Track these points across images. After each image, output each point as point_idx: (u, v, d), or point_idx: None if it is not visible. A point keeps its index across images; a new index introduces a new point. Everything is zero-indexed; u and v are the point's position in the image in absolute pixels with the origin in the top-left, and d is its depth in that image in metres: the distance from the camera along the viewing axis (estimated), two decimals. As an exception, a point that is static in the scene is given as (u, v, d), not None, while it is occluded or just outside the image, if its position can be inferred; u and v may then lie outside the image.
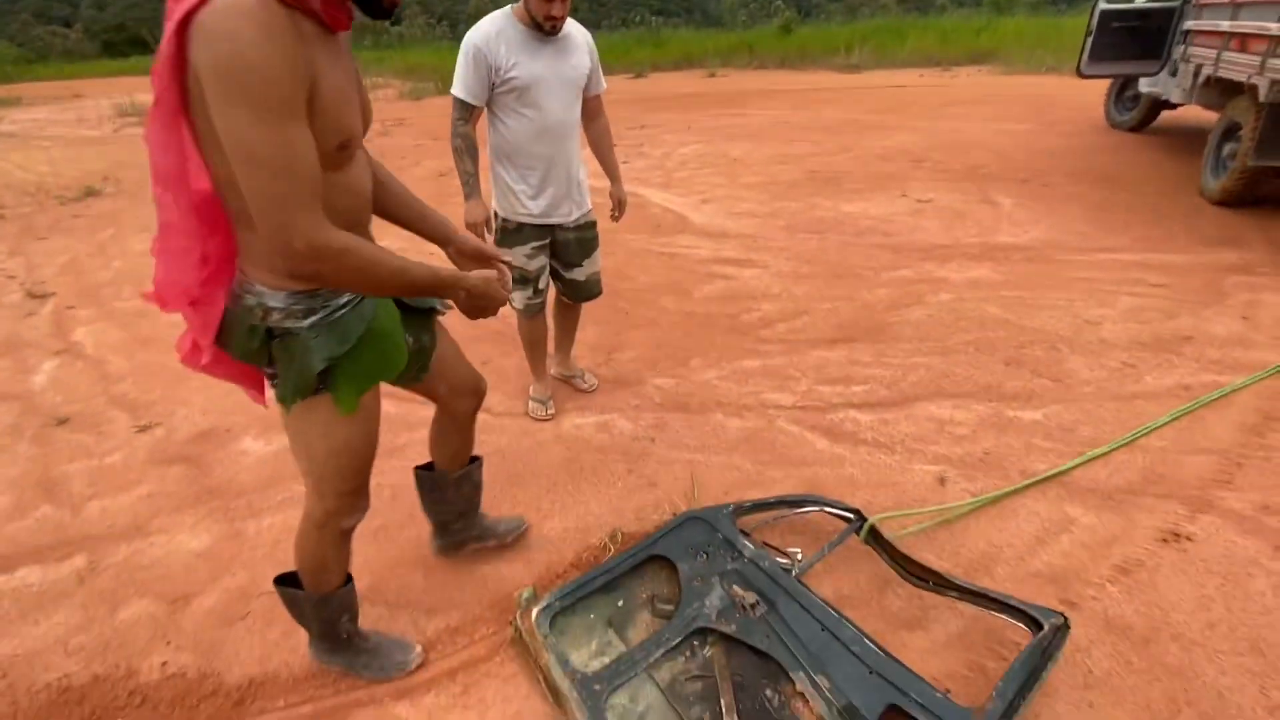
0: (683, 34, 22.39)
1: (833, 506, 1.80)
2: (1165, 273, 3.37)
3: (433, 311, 1.45)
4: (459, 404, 1.60)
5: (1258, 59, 3.80)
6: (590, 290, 2.45)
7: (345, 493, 1.27)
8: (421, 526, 1.95)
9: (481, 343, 3.09)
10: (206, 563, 1.85)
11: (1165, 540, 1.75)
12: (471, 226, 2.10)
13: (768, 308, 3.29)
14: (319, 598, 1.38)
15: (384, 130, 9.99)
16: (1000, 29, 15.41)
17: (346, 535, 1.36)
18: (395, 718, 1.42)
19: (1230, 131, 4.21)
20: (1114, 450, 2.08)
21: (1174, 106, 5.90)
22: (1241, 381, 2.38)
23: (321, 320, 1.11)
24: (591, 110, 2.25)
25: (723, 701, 1.36)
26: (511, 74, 1.95)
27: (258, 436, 2.44)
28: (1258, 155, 3.79)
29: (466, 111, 2.03)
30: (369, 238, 1.17)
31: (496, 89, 1.99)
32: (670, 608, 1.60)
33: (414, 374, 1.41)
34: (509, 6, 2.01)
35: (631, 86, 14.25)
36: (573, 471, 2.16)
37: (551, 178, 2.13)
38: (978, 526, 1.84)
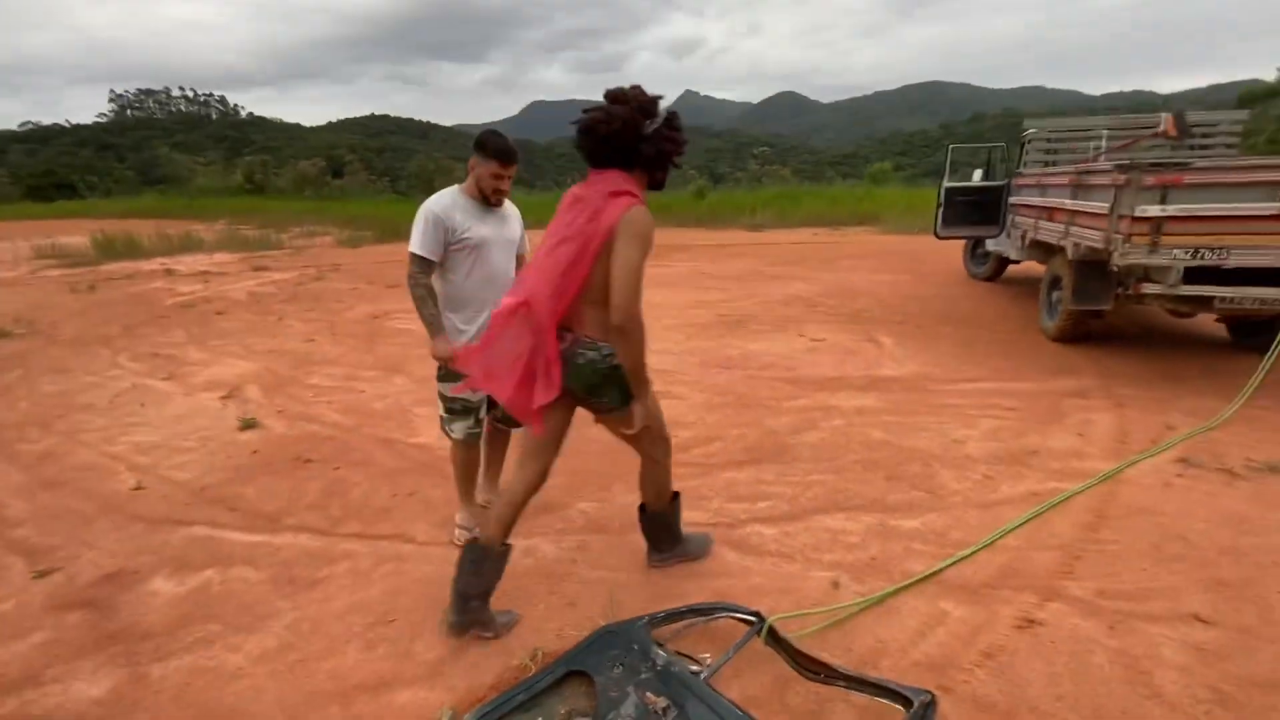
0: (609, 194, 24.80)
1: (737, 611, 1.97)
2: (1016, 398, 3.96)
3: None
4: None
5: (1063, 226, 4.80)
6: None
7: (666, 438, 2.28)
8: (339, 659, 1.96)
9: (409, 474, 3.19)
10: (105, 710, 1.76)
11: (1021, 627, 2.01)
12: (442, 357, 2.38)
13: (684, 435, 3.58)
14: (672, 501, 2.36)
15: (319, 275, 10.33)
16: (879, 196, 18.12)
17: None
18: None
19: (1055, 282, 5.15)
20: (978, 551, 2.39)
21: (1016, 261, 7.13)
22: (1078, 487, 2.81)
23: None
24: (521, 265, 2.65)
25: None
26: (466, 235, 2.34)
27: (169, 576, 2.38)
28: (1075, 301, 4.65)
29: (427, 266, 2.36)
30: None
31: (450, 247, 2.36)
32: (587, 720, 1.67)
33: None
34: (456, 186, 2.45)
35: (562, 238, 15.48)
36: (495, 597, 2.23)
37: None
38: (866, 624, 2.04)
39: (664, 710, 1.64)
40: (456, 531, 2.61)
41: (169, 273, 10.83)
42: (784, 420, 3.74)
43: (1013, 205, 6.25)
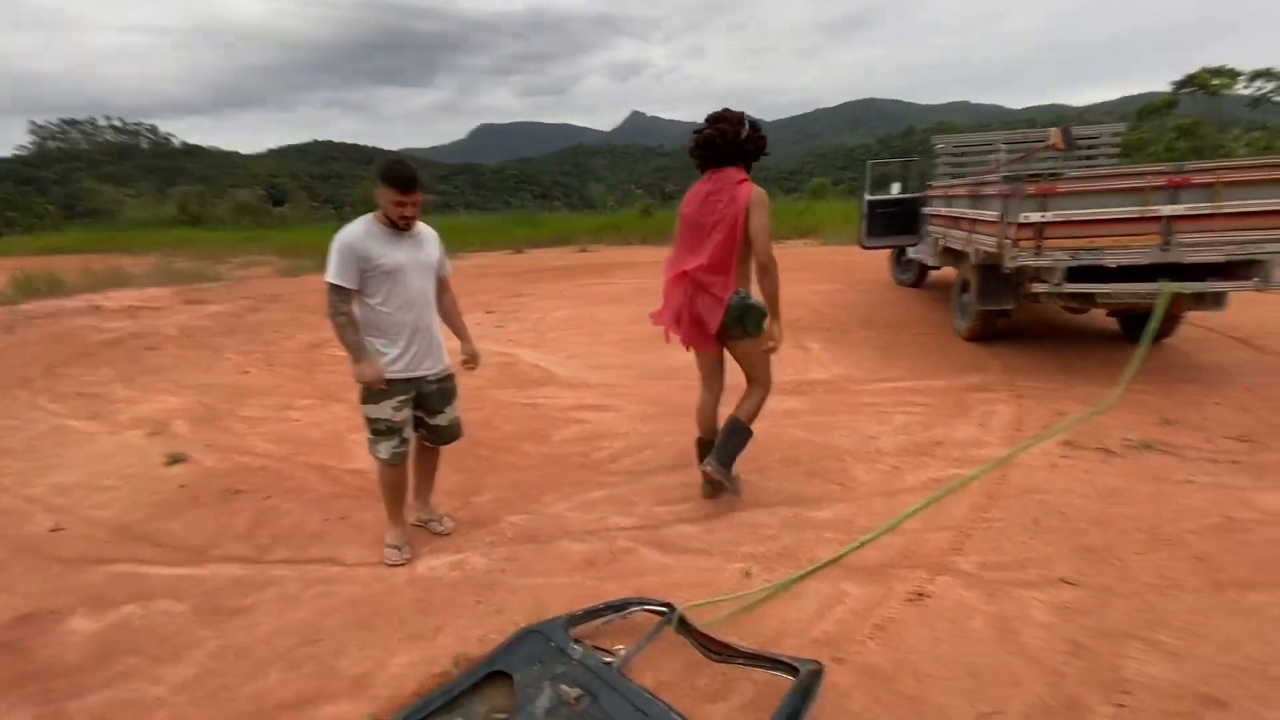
0: (558, 216, 25.01)
1: (650, 604, 2.09)
2: (928, 395, 4.24)
3: None
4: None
5: (966, 234, 5.17)
6: (453, 433, 2.80)
7: (771, 378, 2.93)
8: (262, 681, 1.99)
9: (342, 499, 3.21)
10: (14, 748, 1.75)
11: (911, 600, 2.19)
12: (371, 380, 2.44)
13: (617, 444, 3.71)
14: (749, 431, 2.92)
15: (256, 306, 10.10)
16: (819, 210, 18.83)
17: None
18: None
19: (964, 286, 5.52)
20: (880, 535, 2.58)
21: (936, 268, 7.56)
22: (973, 473, 3.05)
23: None
24: (440, 288, 2.74)
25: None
26: (380, 261, 2.42)
27: (88, 614, 2.35)
28: (981, 302, 5.01)
29: (345, 295, 2.43)
30: None
31: (367, 274, 2.43)
32: (505, 717, 1.76)
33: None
34: (370, 215, 2.52)
35: (511, 261, 15.54)
36: (423, 609, 2.30)
37: (415, 340, 2.55)
38: (773, 609, 2.19)
39: (577, 700, 1.74)
40: (387, 551, 2.66)
41: (96, 309, 10.38)
42: (713, 426, 3.90)
43: (927, 215, 6.67)
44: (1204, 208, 3.78)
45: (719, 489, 2.93)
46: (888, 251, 8.73)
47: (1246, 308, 5.69)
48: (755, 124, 2.73)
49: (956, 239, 5.43)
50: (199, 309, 10.02)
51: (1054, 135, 5.70)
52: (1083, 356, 4.93)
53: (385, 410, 2.53)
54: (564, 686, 1.77)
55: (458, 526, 2.87)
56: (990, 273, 4.70)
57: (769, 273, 2.65)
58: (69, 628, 2.29)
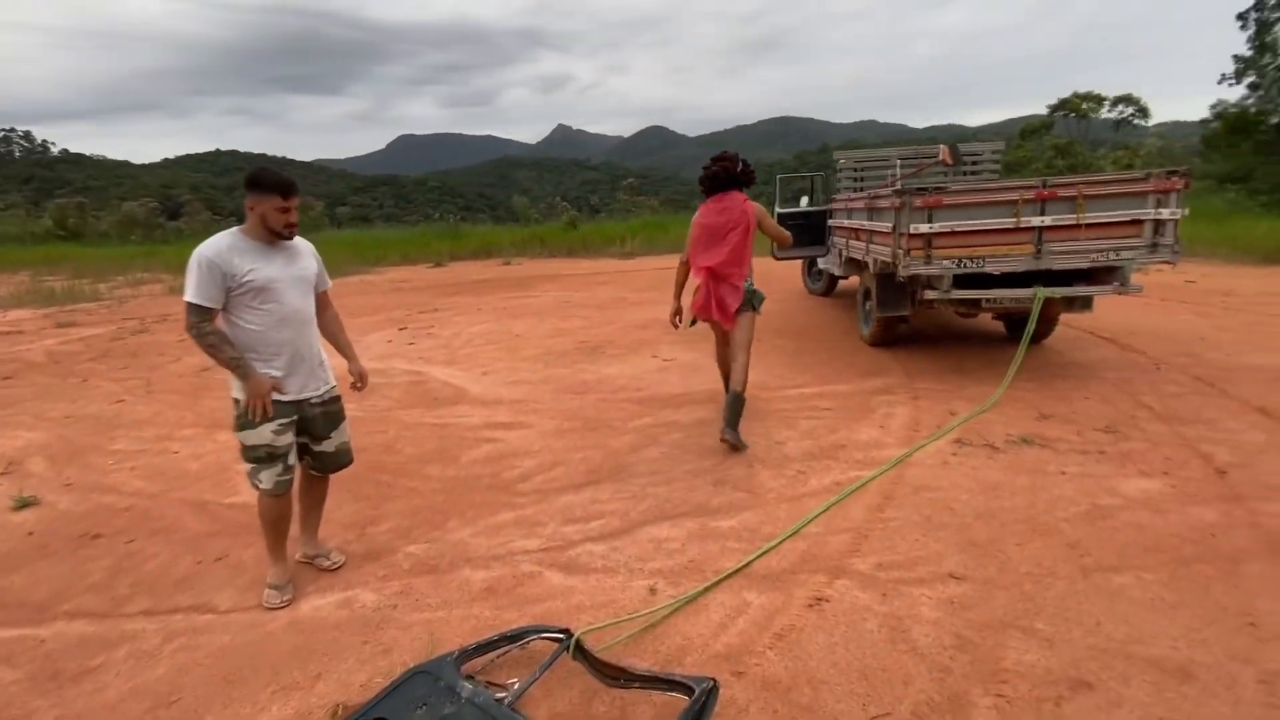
0: (481, 228, 24.48)
1: (546, 631, 2.00)
2: (834, 399, 4.38)
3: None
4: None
5: (865, 244, 5.41)
6: (340, 460, 2.61)
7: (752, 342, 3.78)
8: (104, 752, 1.76)
9: (219, 538, 2.94)
10: None
11: (811, 605, 2.21)
12: (263, 396, 2.26)
13: (528, 463, 3.60)
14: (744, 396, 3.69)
15: (141, 328, 9.26)
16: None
17: None
18: None
19: (866, 294, 5.77)
20: (783, 541, 2.61)
21: (844, 276, 7.89)
22: (871, 474, 3.15)
23: None
24: (321, 304, 2.56)
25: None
26: (248, 277, 2.24)
27: (-113, 694, 2.01)
28: (881, 309, 5.24)
29: (206, 314, 2.23)
30: None
31: (234, 292, 2.24)
32: (386, 768, 1.62)
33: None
34: (235, 228, 2.33)
35: (430, 274, 15.04)
36: (302, 655, 2.11)
37: (295, 359, 2.38)
38: (676, 625, 2.15)
39: (463, 742, 1.63)
40: (267, 593, 2.44)
41: (-58, 336, 9.20)
42: (627, 439, 3.87)
43: (831, 227, 6.96)
44: (1068, 219, 4.12)
45: (736, 449, 3.55)
46: (800, 261, 9.05)
47: (1113, 310, 6.26)
48: (746, 161, 3.80)
49: (857, 249, 5.68)
50: (70, 332, 9.07)
51: (942, 152, 6.08)
52: (973, 357, 5.25)
53: (264, 435, 2.33)
54: (449, 729, 1.66)
55: (348, 560, 2.68)
56: (887, 281, 4.93)
57: (787, 241, 4.07)
58: None
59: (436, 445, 3.95)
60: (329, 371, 2.55)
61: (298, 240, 2.44)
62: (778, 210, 7.67)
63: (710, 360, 5.52)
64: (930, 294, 4.44)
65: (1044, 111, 31.03)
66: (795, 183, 9.18)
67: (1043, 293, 4.24)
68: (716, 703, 1.69)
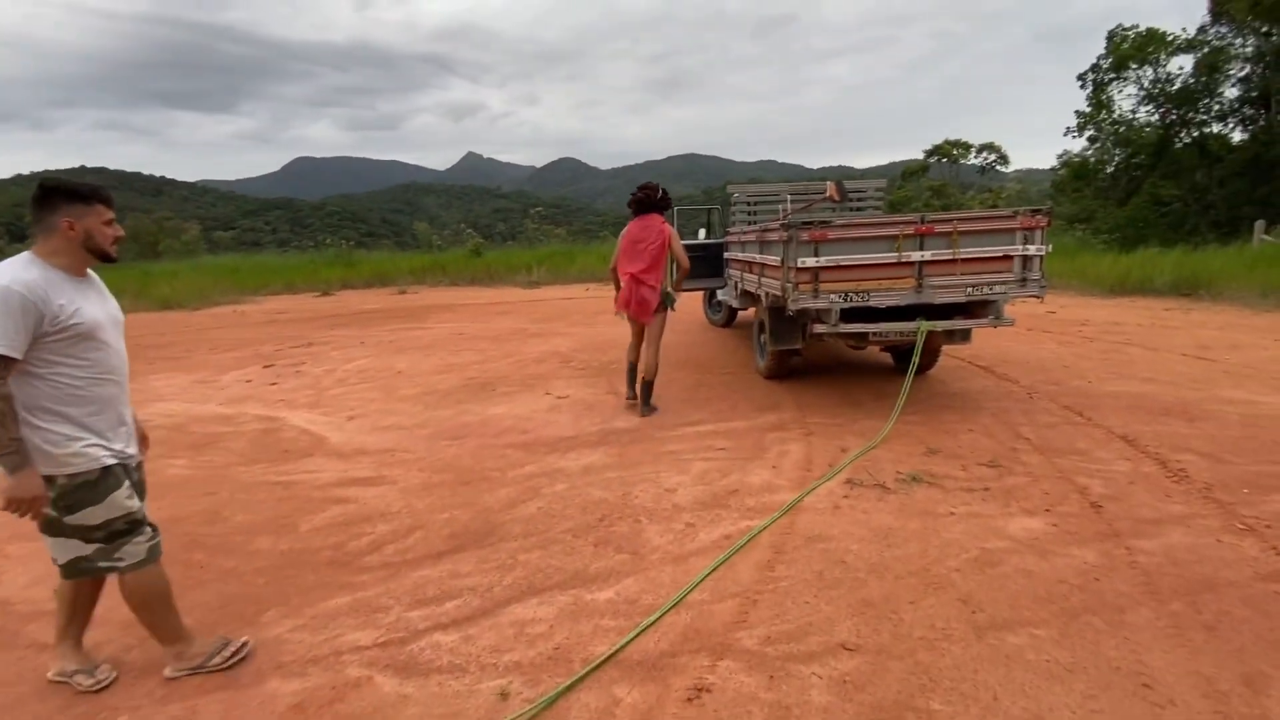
0: (377, 255, 23.18)
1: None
2: (728, 438, 4.18)
3: None
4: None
5: (757, 278, 5.34)
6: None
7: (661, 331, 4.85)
8: None
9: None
10: None
11: (690, 699, 1.90)
12: (29, 501, 1.78)
13: (382, 529, 3.10)
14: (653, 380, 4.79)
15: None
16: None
17: None
18: None
19: (761, 326, 5.71)
20: (663, 615, 2.29)
21: (742, 308, 7.89)
22: (761, 526, 2.92)
23: None
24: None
25: None
26: (74, 320, 1.82)
27: None
28: (774, 342, 5.16)
29: (6, 366, 1.71)
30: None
31: (49, 338, 1.78)
32: None
33: None
34: (28, 254, 1.84)
35: (313, 304, 13.89)
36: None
37: (118, 420, 1.99)
38: (528, 740, 1.77)
39: None
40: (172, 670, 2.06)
41: None
42: (503, 493, 3.46)
43: (726, 259, 6.93)
44: (945, 254, 4.20)
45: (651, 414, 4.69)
46: (701, 293, 9.01)
47: (988, 341, 6.57)
48: (665, 190, 4.85)
49: (751, 282, 5.61)
50: None
51: (830, 188, 6.20)
52: (863, 389, 5.27)
53: (119, 504, 1.93)
54: None
55: (119, 676, 2.09)
56: (779, 314, 4.86)
57: (685, 269, 4.74)
58: None
59: (273, 510, 3.36)
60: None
61: (94, 275, 2.00)
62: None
63: (602, 399, 5.23)
64: (819, 328, 4.39)
65: (921, 156, 33.93)
66: (696, 216, 9.21)
67: (925, 326, 4.28)
68: None
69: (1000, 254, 4.22)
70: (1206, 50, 19.73)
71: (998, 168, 35.24)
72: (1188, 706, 1.79)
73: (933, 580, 2.46)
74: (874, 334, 4.43)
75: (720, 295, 8.03)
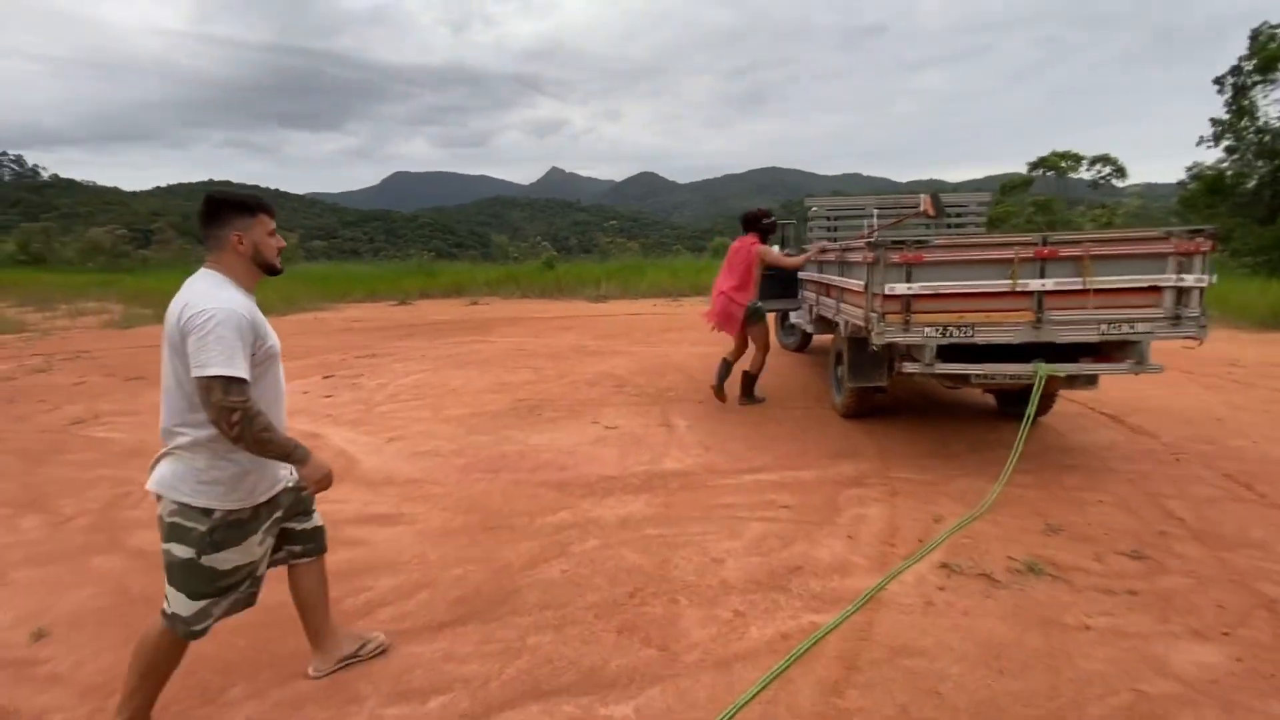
0: (456, 266, 23.84)
1: None
2: (795, 491, 3.58)
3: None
4: None
5: (835, 303, 4.71)
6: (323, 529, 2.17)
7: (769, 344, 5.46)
8: None
9: None
10: None
11: None
12: (328, 478, 1.83)
13: (385, 584, 2.73)
14: (756, 375, 5.40)
15: (45, 365, 8.32)
16: (718, 269, 18.88)
17: None
18: None
19: (839, 357, 5.05)
20: (692, 752, 1.76)
21: (818, 333, 7.20)
22: (830, 624, 2.32)
23: None
24: None
25: None
26: (269, 340, 1.78)
27: None
28: (853, 379, 4.50)
29: (244, 392, 1.64)
30: None
31: (251, 360, 1.70)
32: None
33: None
34: (214, 274, 1.76)
35: (388, 313, 14.25)
36: None
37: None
38: None
39: None
40: None
41: None
42: (526, 547, 3.03)
43: (801, 280, 6.29)
44: (1073, 283, 3.44)
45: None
46: (774, 314, 8.36)
47: (1112, 382, 5.57)
48: (767, 212, 5.33)
49: (828, 308, 4.98)
50: (-47, 370, 8.10)
51: (924, 201, 5.48)
52: (959, 436, 4.50)
53: (251, 550, 1.82)
54: None
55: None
56: (860, 347, 4.21)
57: (790, 267, 5.46)
58: None
59: (283, 547, 3.08)
60: None
61: None
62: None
63: (653, 433, 4.72)
64: (910, 366, 3.71)
65: (1023, 169, 31.44)
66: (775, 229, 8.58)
67: (1044, 370, 3.52)
68: None
69: (1147, 284, 3.42)
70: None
71: (1113, 182, 32.10)
72: None
73: (1067, 738, 1.79)
74: (977, 376, 3.70)
75: (793, 317, 7.38)
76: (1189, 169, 21.22)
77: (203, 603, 1.76)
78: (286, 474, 1.93)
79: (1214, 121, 19.77)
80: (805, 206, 6.58)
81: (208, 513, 1.72)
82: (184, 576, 1.73)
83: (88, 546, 3.17)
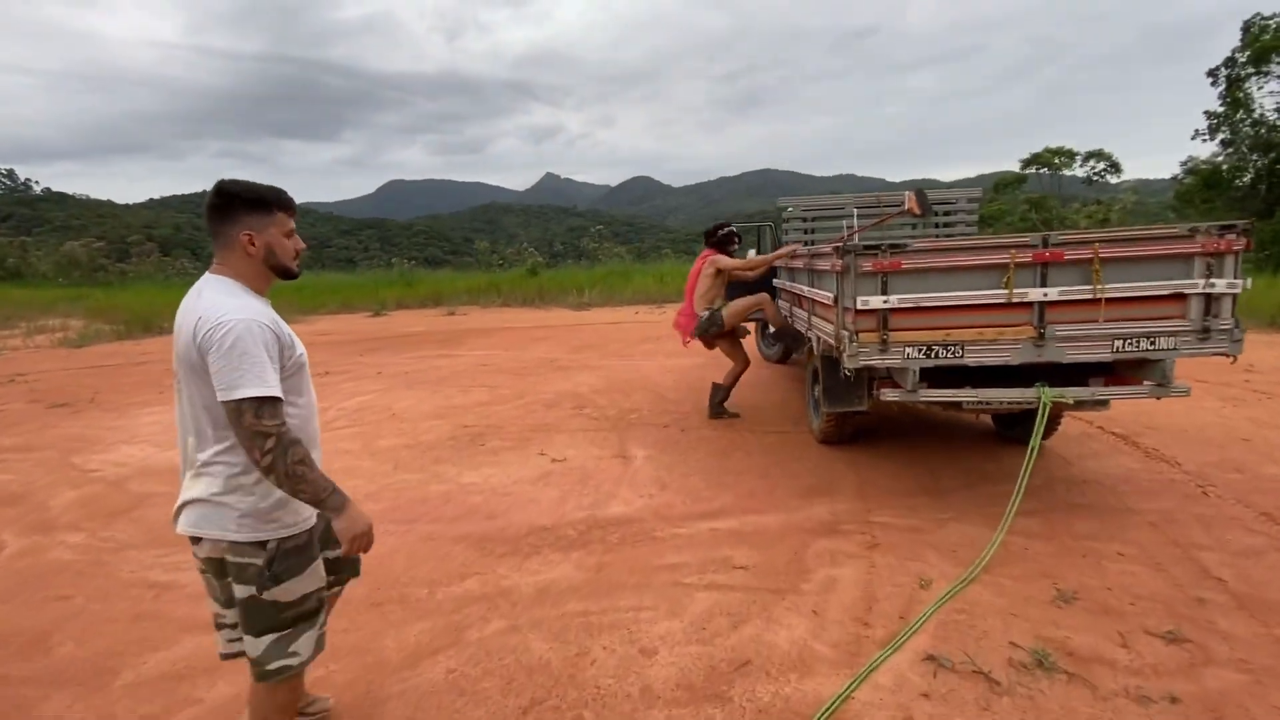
0: (436, 275, 23.22)
1: None
2: (756, 545, 3.00)
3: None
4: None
5: (807, 315, 4.14)
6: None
7: (745, 357, 5.22)
8: None
9: None
10: None
11: None
12: (366, 535, 1.54)
13: (210, 700, 2.14)
14: (727, 388, 5.10)
15: (-33, 393, 7.69)
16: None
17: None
18: None
19: (815, 375, 4.48)
20: None
21: (795, 347, 6.63)
22: (778, 754, 1.74)
23: None
24: None
25: None
26: (298, 349, 1.58)
27: None
28: (829, 403, 3.93)
29: (278, 411, 1.42)
30: None
31: (280, 373, 1.48)
32: None
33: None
34: (222, 280, 1.52)
35: (359, 325, 13.65)
36: None
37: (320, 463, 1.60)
38: None
39: None
40: None
41: None
42: (415, 632, 2.44)
43: (776, 287, 5.73)
44: (1081, 291, 2.87)
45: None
46: (755, 323, 7.80)
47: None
48: (726, 226, 5.28)
49: (801, 320, 4.41)
50: None
51: (909, 199, 4.91)
52: (951, 465, 3.93)
53: (319, 574, 1.62)
54: None
55: None
56: (835, 368, 3.63)
57: (748, 273, 5.26)
58: None
59: (115, 638, 2.48)
60: None
61: None
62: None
63: (605, 466, 4.11)
64: (890, 394, 3.14)
65: (1016, 167, 31.02)
66: (749, 234, 8.04)
67: (1049, 395, 2.96)
68: None
69: (1169, 291, 2.85)
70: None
71: (1107, 178, 31.68)
72: None
73: None
74: (970, 403, 3.13)
75: (773, 328, 6.81)
76: (1183, 163, 20.80)
77: (279, 637, 1.54)
78: None
79: (1209, 114, 19.37)
80: (780, 208, 6.02)
81: (265, 544, 1.50)
82: (247, 616, 1.52)
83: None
